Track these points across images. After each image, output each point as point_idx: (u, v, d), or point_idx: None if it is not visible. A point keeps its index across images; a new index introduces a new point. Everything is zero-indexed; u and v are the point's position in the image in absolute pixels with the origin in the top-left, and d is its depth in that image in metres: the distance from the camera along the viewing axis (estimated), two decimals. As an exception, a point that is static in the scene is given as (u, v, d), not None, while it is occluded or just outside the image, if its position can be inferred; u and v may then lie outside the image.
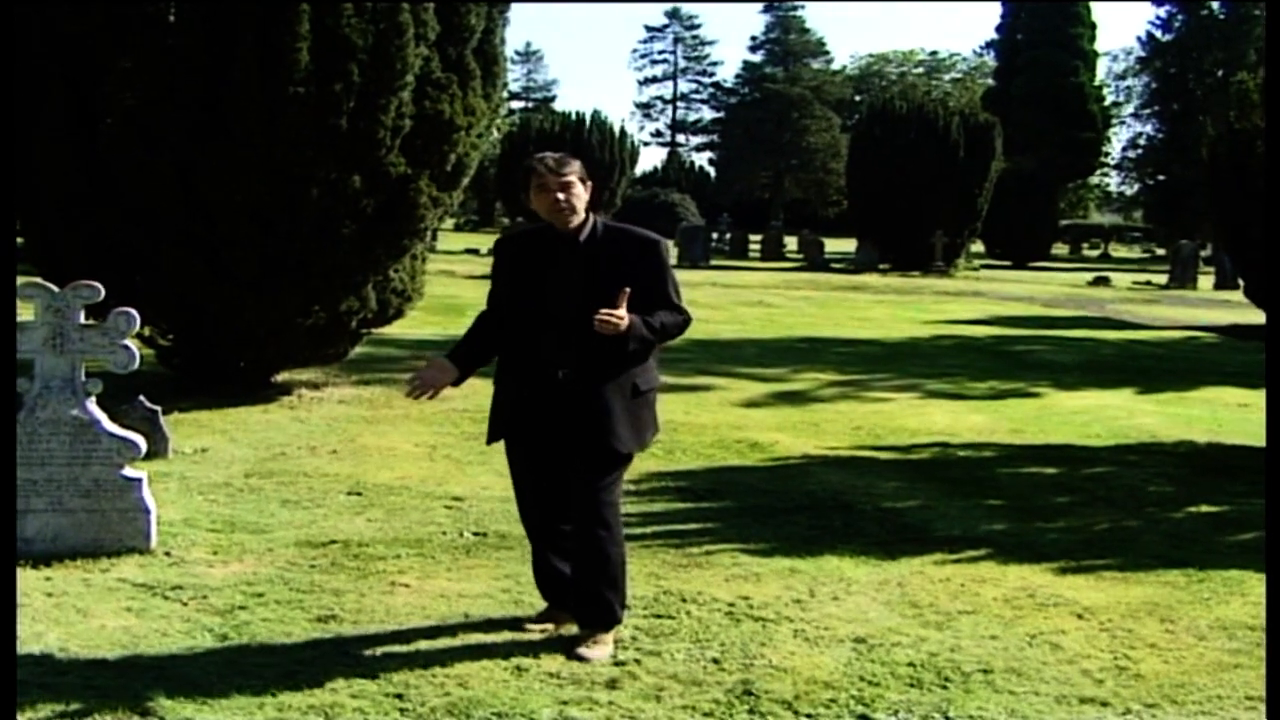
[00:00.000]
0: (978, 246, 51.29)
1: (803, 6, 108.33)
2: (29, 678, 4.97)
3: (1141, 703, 5.14)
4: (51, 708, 4.69)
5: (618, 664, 5.35)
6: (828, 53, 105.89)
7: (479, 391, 5.76)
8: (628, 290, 5.35)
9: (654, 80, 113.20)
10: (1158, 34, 76.09)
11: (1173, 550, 7.51)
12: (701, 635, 5.77)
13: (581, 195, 5.53)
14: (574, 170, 5.54)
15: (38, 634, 5.50)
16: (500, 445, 5.82)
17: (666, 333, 5.57)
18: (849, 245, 48.23)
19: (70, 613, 5.81)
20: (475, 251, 42.02)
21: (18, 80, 10.76)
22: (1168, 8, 75.05)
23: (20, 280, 7.02)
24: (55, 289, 6.72)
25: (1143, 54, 79.16)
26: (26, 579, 6.24)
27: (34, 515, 6.63)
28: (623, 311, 5.30)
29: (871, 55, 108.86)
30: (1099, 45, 78.38)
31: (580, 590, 5.57)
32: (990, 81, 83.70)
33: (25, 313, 6.75)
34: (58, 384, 6.70)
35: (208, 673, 5.11)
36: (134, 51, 10.47)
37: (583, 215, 5.55)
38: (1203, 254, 45.47)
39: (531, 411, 5.54)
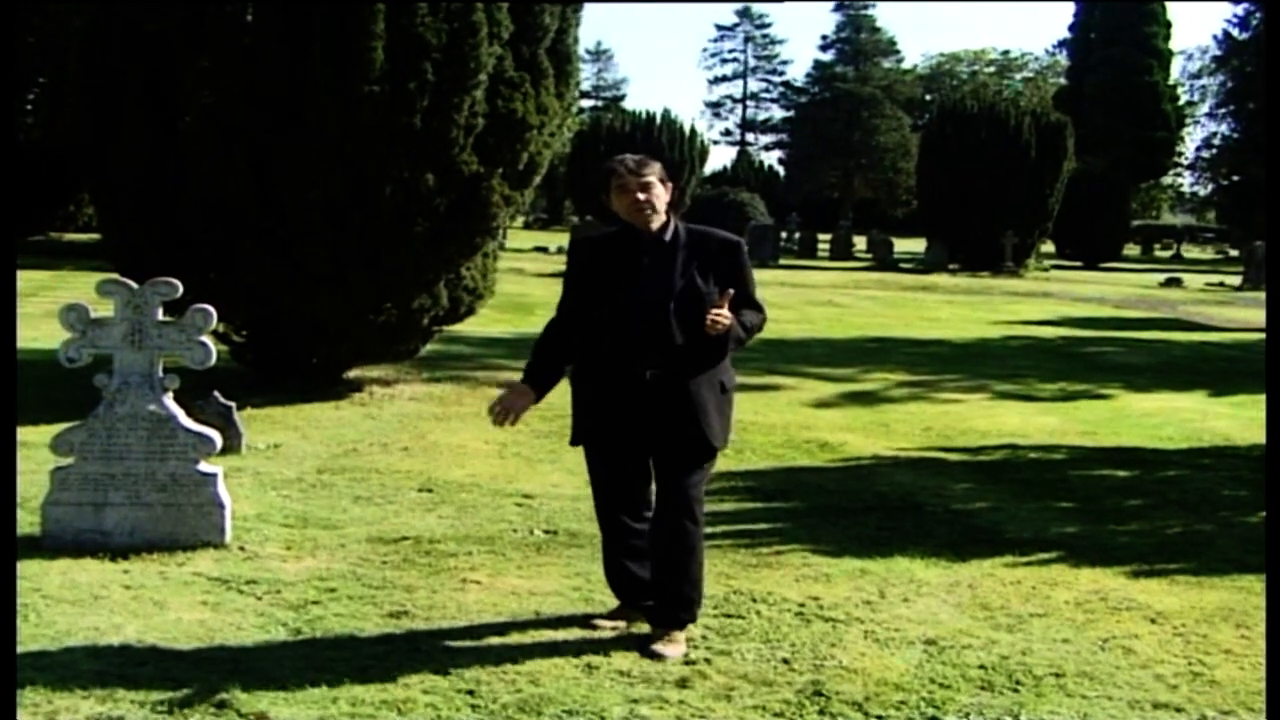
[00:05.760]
0: (1048, 247, 50.93)
1: (874, 5, 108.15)
2: (108, 669, 5.06)
3: (1217, 709, 5.08)
4: (130, 698, 4.76)
5: (688, 663, 5.36)
6: (898, 52, 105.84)
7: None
8: (731, 291, 5.41)
9: (724, 79, 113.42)
10: (1234, 32, 75.13)
11: (1247, 555, 7.40)
12: (772, 635, 5.77)
13: (662, 196, 5.54)
14: (654, 171, 5.55)
15: (116, 625, 5.58)
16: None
17: (751, 332, 5.62)
18: (918, 245, 47.99)
19: (148, 605, 5.89)
20: (544, 249, 42.21)
21: (98, 78, 10.94)
22: (1245, 5, 73.96)
23: (99, 276, 7.13)
24: (134, 285, 6.80)
25: (1219, 52, 78.16)
26: (105, 571, 6.35)
27: (112, 509, 6.73)
28: (728, 312, 5.37)
29: (943, 54, 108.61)
30: (1174, 44, 77.72)
31: (660, 586, 5.58)
32: (1062, 80, 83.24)
33: (104, 309, 6.84)
34: (136, 379, 6.78)
35: (282, 666, 5.17)
36: (212, 50, 10.59)
37: (664, 216, 5.56)
38: (1278, 255, 44.71)
39: (616, 412, 5.56)
